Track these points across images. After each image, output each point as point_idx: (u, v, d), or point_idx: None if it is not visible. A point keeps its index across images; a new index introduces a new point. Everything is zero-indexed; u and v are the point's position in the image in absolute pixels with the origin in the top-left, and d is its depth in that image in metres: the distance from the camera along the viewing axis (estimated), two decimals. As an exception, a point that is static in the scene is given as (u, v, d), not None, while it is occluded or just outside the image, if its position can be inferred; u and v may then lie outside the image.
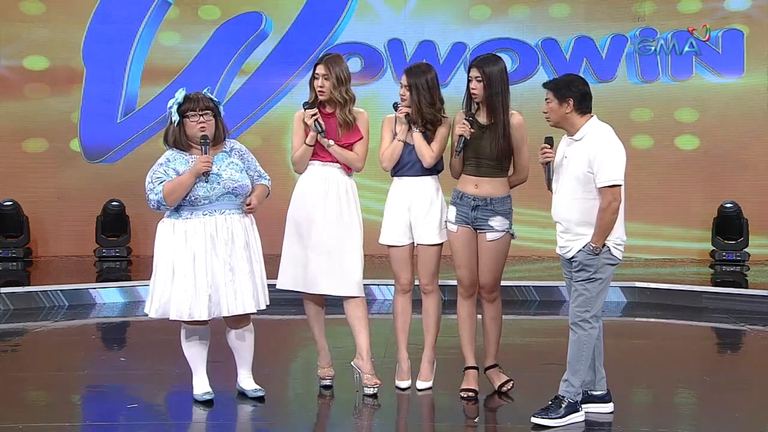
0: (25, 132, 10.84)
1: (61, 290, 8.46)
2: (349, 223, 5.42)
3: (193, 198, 5.01)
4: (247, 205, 5.17)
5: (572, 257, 4.89)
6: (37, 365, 6.41)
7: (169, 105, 5.12)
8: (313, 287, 5.42)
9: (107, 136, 10.86)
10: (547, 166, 4.99)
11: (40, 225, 10.67)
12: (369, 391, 5.37)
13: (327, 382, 5.57)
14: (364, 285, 5.53)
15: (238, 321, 5.23)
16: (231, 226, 5.07)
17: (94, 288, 8.65)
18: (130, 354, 7.01)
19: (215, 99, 5.18)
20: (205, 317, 5.05)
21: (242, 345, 5.30)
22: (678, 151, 10.58)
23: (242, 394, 5.34)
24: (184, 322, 5.15)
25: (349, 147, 5.42)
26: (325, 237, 5.37)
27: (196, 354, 5.25)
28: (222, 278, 5.03)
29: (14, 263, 10.22)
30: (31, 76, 10.82)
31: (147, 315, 5.16)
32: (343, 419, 5.16)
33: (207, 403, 5.22)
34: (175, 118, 5.08)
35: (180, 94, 5.11)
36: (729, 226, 10.26)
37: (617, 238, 4.85)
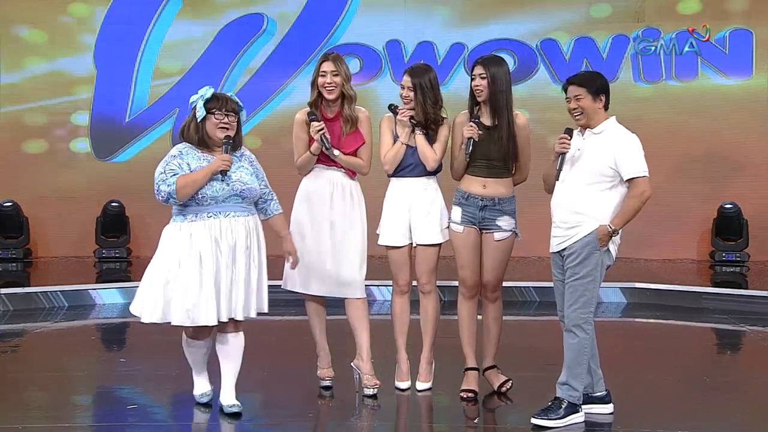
0: (25, 132, 10.85)
1: (60, 291, 8.46)
2: (352, 226, 5.41)
3: (199, 197, 4.88)
4: (291, 255, 5.18)
5: (568, 247, 4.82)
6: (37, 366, 6.40)
7: (192, 100, 4.99)
8: (315, 289, 5.42)
9: (116, 136, 10.87)
10: (561, 156, 4.94)
11: (40, 226, 10.67)
12: (369, 391, 5.37)
13: (327, 383, 5.57)
14: (365, 286, 5.53)
15: (230, 328, 5.07)
16: (234, 229, 4.94)
17: (94, 289, 8.65)
18: (129, 354, 7.01)
19: (240, 104, 5.06)
20: (212, 322, 4.90)
21: (232, 353, 5.09)
22: (678, 151, 10.56)
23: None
24: (186, 327, 5.08)
25: (353, 153, 5.41)
26: (329, 239, 5.37)
27: (197, 357, 5.21)
28: (224, 283, 4.92)
29: (14, 264, 10.23)
30: (31, 77, 10.82)
31: (140, 319, 5.05)
32: (343, 420, 5.14)
33: (207, 404, 5.22)
34: (201, 113, 4.96)
35: (207, 91, 4.99)
36: (729, 227, 10.25)
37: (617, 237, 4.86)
